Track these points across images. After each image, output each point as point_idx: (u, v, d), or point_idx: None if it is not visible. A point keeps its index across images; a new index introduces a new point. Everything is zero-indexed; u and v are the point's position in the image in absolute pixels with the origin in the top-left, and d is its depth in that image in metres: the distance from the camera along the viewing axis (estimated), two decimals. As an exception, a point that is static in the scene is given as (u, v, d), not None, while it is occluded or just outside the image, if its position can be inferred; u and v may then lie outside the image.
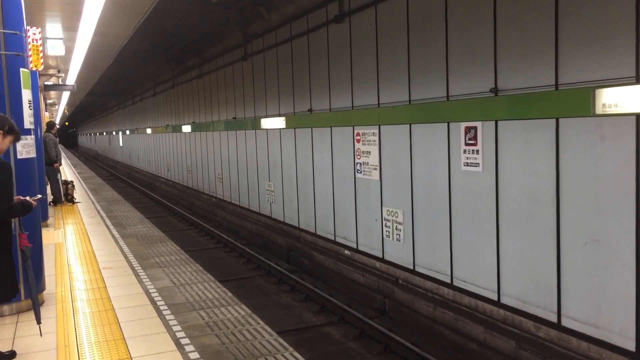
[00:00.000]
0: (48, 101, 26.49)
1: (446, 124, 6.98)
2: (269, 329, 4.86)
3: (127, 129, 33.99)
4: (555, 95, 5.48)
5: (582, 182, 5.35)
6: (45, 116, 22.67)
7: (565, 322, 5.62)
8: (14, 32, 5.01)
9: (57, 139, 12.63)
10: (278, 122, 11.78)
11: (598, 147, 5.16)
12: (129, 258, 7.49)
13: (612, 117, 4.96)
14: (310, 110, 10.42)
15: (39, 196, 4.30)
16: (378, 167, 8.51)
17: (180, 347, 4.39)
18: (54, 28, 10.28)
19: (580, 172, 5.36)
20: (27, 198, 4.13)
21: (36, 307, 4.26)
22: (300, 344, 6.92)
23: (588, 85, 5.11)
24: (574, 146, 5.39)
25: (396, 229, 8.16)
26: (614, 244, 5.10)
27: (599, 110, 4.99)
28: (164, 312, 5.22)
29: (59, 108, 35.78)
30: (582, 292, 5.44)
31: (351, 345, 7.10)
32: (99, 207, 12.62)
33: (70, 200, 12.96)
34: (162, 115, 23.90)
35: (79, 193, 14.84)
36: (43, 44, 9.92)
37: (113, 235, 9.15)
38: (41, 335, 4.42)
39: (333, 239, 10.05)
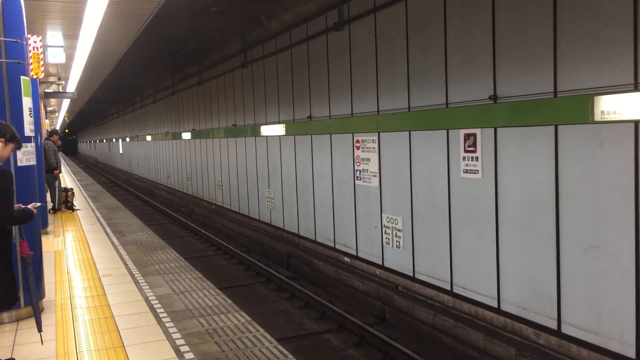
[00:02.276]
0: (48, 108, 26.53)
1: (445, 131, 6.99)
2: (268, 336, 4.85)
3: (127, 136, 34.04)
4: (554, 102, 5.50)
5: (581, 189, 5.36)
6: (46, 123, 22.70)
7: (566, 329, 5.62)
8: (15, 40, 5.04)
9: (58, 147, 12.62)
10: (278, 129, 11.81)
11: (597, 153, 5.18)
12: (129, 265, 7.49)
13: (610, 124, 4.98)
14: (309, 117, 10.45)
15: (39, 204, 4.31)
16: (378, 174, 8.52)
17: (179, 354, 4.39)
18: (54, 36, 10.32)
19: (579, 178, 5.37)
20: (29, 206, 4.14)
21: (37, 315, 4.25)
22: (300, 351, 6.91)
23: (587, 93, 5.13)
24: (573, 153, 5.41)
25: (396, 235, 8.17)
26: (614, 251, 5.11)
27: (597, 117, 5.01)
28: (164, 320, 5.22)
29: (59, 115, 35.81)
30: (582, 298, 5.44)
31: (351, 353, 7.09)
32: (98, 215, 12.62)
33: (70, 207, 12.95)
34: (162, 122, 23.93)
35: (79, 200, 14.84)
36: (44, 52, 9.95)
37: (113, 243, 9.14)
38: (42, 343, 4.42)
39: (333, 245, 10.04)
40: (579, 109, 5.19)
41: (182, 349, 4.51)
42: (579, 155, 5.36)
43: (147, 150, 27.91)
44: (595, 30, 5.13)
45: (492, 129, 6.30)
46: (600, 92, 5.01)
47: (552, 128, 5.57)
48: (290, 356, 4.43)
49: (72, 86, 17.76)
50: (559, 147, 5.53)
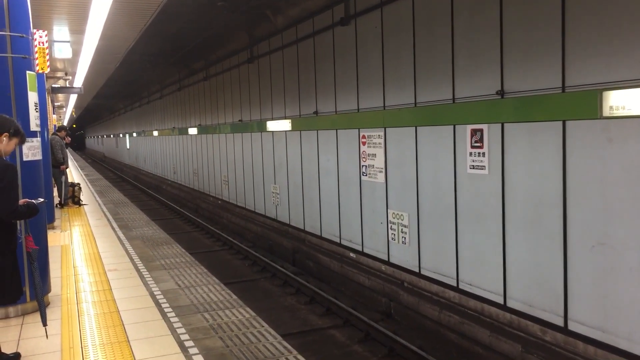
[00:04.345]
0: (56, 103, 26.64)
1: (452, 126, 6.95)
2: (273, 332, 4.85)
3: (134, 132, 34.13)
4: (562, 97, 5.45)
5: (588, 185, 5.31)
6: (53, 119, 22.79)
7: (572, 326, 5.58)
8: (20, 34, 5.03)
9: (64, 141, 12.65)
10: (284, 125, 11.79)
11: (605, 149, 5.12)
12: (135, 260, 7.51)
13: (619, 119, 4.93)
14: (316, 112, 10.42)
15: (41, 200, 4.30)
16: (383, 170, 8.49)
17: (184, 349, 4.39)
18: (61, 31, 10.34)
19: (587, 175, 5.32)
20: (33, 201, 4.14)
21: (42, 309, 4.26)
22: (305, 346, 6.90)
23: (595, 88, 5.08)
24: (581, 149, 5.36)
25: (402, 231, 8.14)
26: (621, 247, 5.06)
27: (606, 112, 4.96)
28: (169, 315, 5.22)
29: (67, 110, 35.97)
30: (588, 295, 5.40)
31: (356, 349, 7.08)
32: (105, 209, 12.66)
33: (77, 202, 13.00)
34: (169, 117, 23.98)
35: (86, 195, 14.90)
36: (50, 47, 9.97)
37: (119, 237, 9.17)
38: (47, 337, 4.43)
39: (338, 241, 10.03)
40: (587, 105, 5.13)
41: (187, 344, 4.51)
42: (587, 151, 5.30)
43: (154, 145, 27.98)
44: (604, 24, 5.07)
45: (499, 125, 6.25)
46: (609, 87, 4.95)
47: (560, 124, 5.52)
48: (295, 352, 4.42)
49: (79, 81, 17.82)
50: (567, 143, 5.48)
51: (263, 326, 4.99)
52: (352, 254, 9.55)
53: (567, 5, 5.39)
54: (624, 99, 4.82)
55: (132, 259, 7.56)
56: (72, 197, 12.94)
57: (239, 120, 14.80)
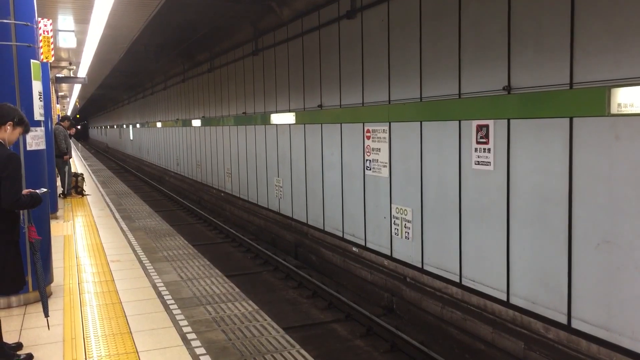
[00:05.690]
0: (60, 93, 26.64)
1: (457, 121, 6.90)
2: (275, 326, 4.83)
3: (137, 123, 34.12)
4: (570, 94, 5.40)
5: (595, 183, 5.27)
6: (57, 108, 22.79)
7: (576, 324, 5.55)
8: (25, 23, 5.00)
9: (71, 135, 12.63)
10: (288, 118, 11.75)
11: (612, 147, 5.08)
12: (137, 251, 7.50)
13: (627, 117, 4.88)
14: (320, 106, 10.38)
15: (44, 190, 4.28)
16: (388, 165, 8.45)
17: (186, 342, 4.38)
18: (65, 20, 10.31)
19: (593, 172, 5.28)
20: (37, 191, 4.12)
21: (44, 300, 4.25)
22: (307, 340, 6.90)
23: (603, 85, 5.03)
24: (588, 146, 5.31)
25: (405, 226, 8.11)
26: (627, 246, 5.03)
27: (614, 109, 4.92)
28: (171, 307, 5.21)
29: (71, 100, 35.97)
30: (593, 294, 5.37)
31: (358, 343, 7.07)
32: (108, 200, 12.66)
33: (80, 192, 13.00)
34: (173, 109, 23.94)
35: (89, 186, 14.89)
36: (54, 36, 9.92)
37: (122, 229, 9.16)
38: (49, 328, 4.42)
39: (341, 235, 10.01)
40: (595, 101, 5.09)
41: (189, 336, 4.50)
42: (593, 149, 5.26)
43: (157, 136, 27.96)
44: (613, 20, 5.01)
45: (506, 121, 6.20)
46: (617, 84, 4.90)
47: (567, 120, 5.47)
48: (297, 346, 4.41)
49: (83, 71, 17.79)
50: (574, 140, 5.44)
51: (265, 319, 4.97)
52: (354, 249, 9.53)
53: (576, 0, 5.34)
54: (632, 96, 4.77)
55: (134, 250, 7.55)
56: (75, 187, 12.94)
57: (243, 113, 14.77)
